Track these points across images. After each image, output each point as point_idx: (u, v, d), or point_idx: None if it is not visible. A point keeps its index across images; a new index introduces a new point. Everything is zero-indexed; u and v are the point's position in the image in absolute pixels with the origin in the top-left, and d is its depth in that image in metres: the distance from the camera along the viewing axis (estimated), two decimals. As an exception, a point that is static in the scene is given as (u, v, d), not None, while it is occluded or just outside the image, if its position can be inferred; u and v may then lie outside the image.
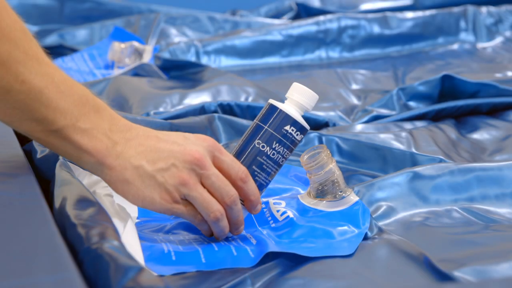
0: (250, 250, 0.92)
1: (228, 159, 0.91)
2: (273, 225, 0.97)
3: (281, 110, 0.95)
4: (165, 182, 0.88)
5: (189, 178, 0.89)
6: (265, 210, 1.00)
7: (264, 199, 1.03)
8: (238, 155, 0.95)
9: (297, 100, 0.97)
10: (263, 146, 0.95)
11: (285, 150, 0.95)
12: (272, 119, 0.95)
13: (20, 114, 0.84)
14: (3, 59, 0.81)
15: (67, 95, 0.85)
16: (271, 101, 0.97)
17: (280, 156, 0.95)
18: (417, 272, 0.87)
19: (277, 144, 0.95)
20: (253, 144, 0.95)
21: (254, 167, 0.95)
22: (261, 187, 0.95)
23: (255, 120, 0.96)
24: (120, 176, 0.87)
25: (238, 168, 0.91)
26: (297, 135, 0.96)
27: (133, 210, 1.02)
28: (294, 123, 0.95)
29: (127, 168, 0.87)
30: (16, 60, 0.82)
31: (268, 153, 0.95)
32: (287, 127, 0.96)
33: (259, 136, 0.95)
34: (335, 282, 0.86)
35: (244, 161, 0.95)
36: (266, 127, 0.95)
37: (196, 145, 0.90)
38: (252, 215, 0.99)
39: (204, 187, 0.90)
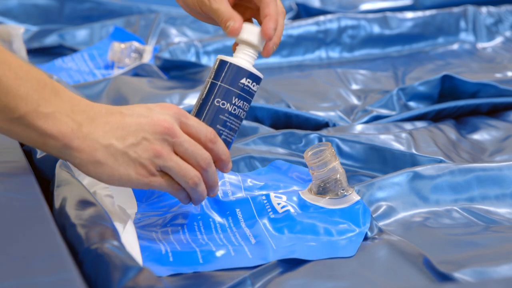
0: (248, 251, 0.92)
1: (195, 122, 0.90)
2: (272, 216, 0.97)
3: (232, 63, 0.95)
4: (139, 157, 0.87)
5: (161, 148, 0.88)
6: (265, 202, 1.00)
7: (265, 192, 1.03)
8: (198, 116, 0.94)
9: (246, 48, 0.96)
10: (223, 104, 0.94)
11: (245, 103, 0.95)
12: (226, 75, 0.95)
13: None
14: None
15: (25, 80, 0.83)
16: (221, 56, 0.96)
17: (241, 110, 0.95)
18: (417, 273, 0.87)
19: (237, 99, 0.94)
20: (212, 103, 0.94)
21: (218, 126, 0.94)
22: (228, 144, 0.95)
23: (207, 79, 0.95)
24: (90, 157, 0.86)
25: (206, 130, 0.90)
26: (253, 86, 0.95)
27: (132, 206, 1.02)
28: (250, 75, 0.95)
29: (97, 149, 0.86)
30: None
31: (229, 109, 0.94)
32: (243, 80, 0.95)
33: (216, 94, 0.94)
34: (335, 283, 0.86)
35: (207, 121, 0.94)
36: (221, 83, 0.94)
37: (162, 114, 0.89)
38: (253, 206, 0.99)
39: (177, 155, 0.89)
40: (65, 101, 0.85)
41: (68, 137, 0.85)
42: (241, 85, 0.94)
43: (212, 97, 0.94)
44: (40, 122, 0.84)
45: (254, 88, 0.95)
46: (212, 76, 0.95)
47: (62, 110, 0.85)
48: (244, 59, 0.96)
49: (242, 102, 0.95)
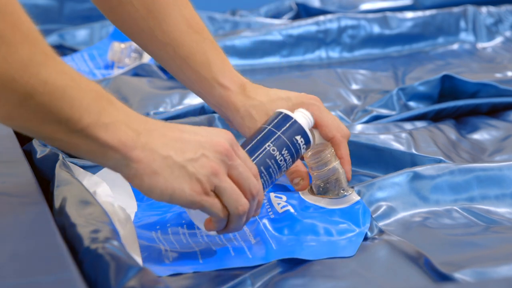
0: (248, 251, 0.91)
1: (243, 154, 0.89)
2: (272, 216, 0.97)
3: (295, 120, 0.99)
4: (197, 172, 0.85)
5: (219, 168, 0.86)
6: (265, 201, 1.00)
7: (265, 193, 1.03)
8: (248, 153, 0.95)
9: (306, 115, 1.01)
10: (273, 150, 0.96)
11: (290, 158, 0.98)
12: (285, 126, 0.98)
13: (41, 117, 0.79)
14: (25, 62, 0.77)
15: (87, 91, 0.81)
16: (283, 110, 1.00)
17: (285, 163, 0.98)
18: (417, 273, 0.87)
19: (286, 151, 0.97)
20: (264, 147, 0.97)
21: (262, 167, 0.96)
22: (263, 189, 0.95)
23: (265, 125, 0.98)
24: (147, 168, 0.83)
25: (251, 165, 0.89)
26: (303, 147, 0.99)
27: (132, 206, 1.02)
28: (304, 134, 0.99)
29: (155, 160, 0.83)
30: (37, 62, 0.78)
31: (277, 157, 0.96)
32: (298, 137, 0.98)
33: (272, 140, 0.97)
34: (335, 283, 0.86)
35: (254, 161, 0.95)
36: (279, 133, 0.98)
37: (219, 136, 0.87)
38: None
39: (231, 178, 0.87)
40: (120, 112, 0.83)
41: (128, 146, 0.82)
42: (294, 140, 0.98)
43: (267, 142, 0.97)
44: (101, 133, 0.81)
45: (303, 149, 0.99)
46: (271, 124, 0.98)
47: (120, 120, 0.83)
48: (305, 119, 1.00)
49: (289, 156, 0.98)
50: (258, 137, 0.97)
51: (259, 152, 0.96)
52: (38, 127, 0.81)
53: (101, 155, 0.83)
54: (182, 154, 0.85)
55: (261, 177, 0.95)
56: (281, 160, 0.97)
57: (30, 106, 0.78)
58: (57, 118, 0.79)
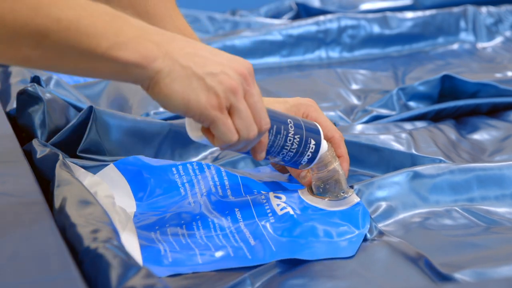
0: (248, 251, 0.91)
1: (258, 89, 0.88)
2: (272, 220, 0.97)
3: (320, 129, 0.99)
4: (215, 86, 0.84)
5: (238, 87, 0.85)
6: (264, 202, 1.00)
7: (265, 193, 1.03)
8: (268, 109, 0.94)
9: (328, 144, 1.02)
10: (291, 127, 0.96)
11: (295, 149, 0.97)
12: (310, 126, 0.98)
13: (60, 53, 0.81)
14: (33, 6, 0.78)
15: (100, 16, 0.82)
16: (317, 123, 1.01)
17: (290, 146, 0.96)
18: (417, 273, 0.87)
19: (298, 139, 0.96)
20: (285, 117, 0.96)
21: (274, 126, 0.94)
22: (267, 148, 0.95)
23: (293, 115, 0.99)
24: (166, 77, 0.83)
25: (263, 103, 0.89)
26: (308, 155, 0.98)
27: (130, 206, 1.02)
28: (317, 145, 0.98)
29: (174, 69, 0.83)
30: (46, 3, 0.79)
31: (289, 134, 0.95)
32: (312, 141, 0.97)
33: (294, 119, 0.96)
34: (334, 283, 0.86)
35: (271, 117, 0.93)
36: (302, 124, 0.97)
37: (239, 62, 0.87)
38: (252, 206, 0.99)
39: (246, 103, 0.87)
40: (137, 28, 0.84)
41: (149, 58, 0.83)
42: (309, 140, 0.97)
43: (289, 117, 0.96)
44: (121, 52, 0.82)
45: (307, 155, 0.98)
46: (300, 118, 0.99)
47: (138, 35, 0.83)
48: (326, 143, 1.00)
49: (296, 145, 0.96)
50: (285, 113, 0.97)
51: (278, 115, 0.95)
52: (58, 63, 0.83)
53: (124, 74, 0.84)
54: (202, 67, 0.85)
55: (269, 133, 0.94)
56: (289, 140, 0.95)
57: (47, 46, 0.80)
58: (76, 51, 0.81)
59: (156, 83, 0.84)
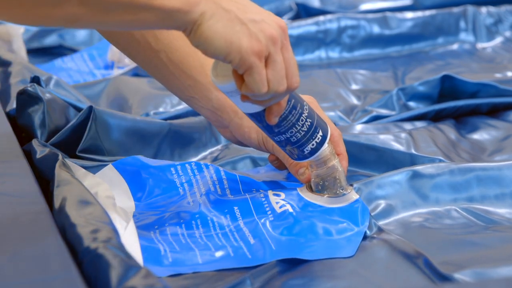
0: (248, 251, 0.91)
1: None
2: (271, 218, 0.97)
3: (329, 129, 0.99)
4: (257, 32, 0.84)
5: (278, 38, 0.86)
6: (263, 200, 1.00)
7: (263, 191, 1.03)
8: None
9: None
10: (306, 109, 0.96)
11: (303, 135, 0.96)
12: (322, 120, 0.98)
13: (104, 8, 0.81)
14: None
15: None
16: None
17: (298, 128, 0.96)
18: (417, 273, 0.87)
19: (308, 123, 0.96)
20: (303, 100, 0.96)
21: (292, 100, 0.94)
22: (280, 117, 0.95)
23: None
24: (209, 19, 0.83)
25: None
26: (313, 144, 0.98)
27: (130, 206, 1.02)
28: (323, 140, 0.98)
29: (218, 12, 0.84)
30: None
31: (303, 114, 0.95)
32: (320, 132, 0.97)
33: (309, 107, 0.97)
34: (334, 282, 0.86)
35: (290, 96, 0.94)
36: (315, 114, 0.97)
37: (277, 17, 0.88)
38: (251, 204, 0.99)
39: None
40: None
41: (192, 2, 0.83)
42: (316, 130, 0.97)
43: (306, 103, 0.96)
44: (165, 1, 0.82)
45: (311, 144, 0.97)
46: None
47: None
48: (330, 148, 1.00)
49: (305, 129, 0.96)
50: (302, 98, 0.97)
51: (296, 95, 0.95)
52: (104, 18, 0.83)
53: (168, 20, 0.84)
54: (244, 13, 0.85)
55: (286, 107, 0.94)
56: (302, 120, 0.95)
57: (92, 2, 0.80)
58: (120, 4, 0.81)
59: (199, 25, 0.84)
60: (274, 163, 1.10)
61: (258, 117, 0.94)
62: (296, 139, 0.97)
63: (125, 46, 1.08)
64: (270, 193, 1.01)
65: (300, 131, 0.96)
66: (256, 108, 0.92)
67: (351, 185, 1.03)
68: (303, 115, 0.95)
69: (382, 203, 1.03)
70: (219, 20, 0.84)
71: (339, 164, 1.01)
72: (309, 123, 0.96)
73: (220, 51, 0.85)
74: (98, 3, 0.81)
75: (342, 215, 0.98)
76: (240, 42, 0.84)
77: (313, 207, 0.99)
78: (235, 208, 0.99)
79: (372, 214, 1.01)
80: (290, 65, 0.88)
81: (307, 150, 0.98)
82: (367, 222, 0.97)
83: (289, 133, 0.96)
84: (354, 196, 1.01)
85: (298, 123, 0.95)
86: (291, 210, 0.97)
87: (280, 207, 0.98)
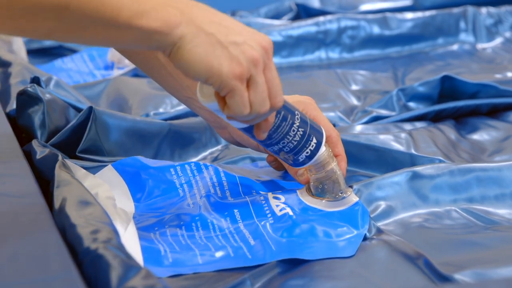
0: (248, 251, 0.91)
1: (274, 65, 0.89)
2: (271, 220, 0.97)
3: (323, 131, 0.99)
4: (238, 56, 0.84)
5: (260, 59, 0.85)
6: (263, 203, 1.00)
7: (263, 193, 1.03)
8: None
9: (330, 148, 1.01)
10: (297, 118, 0.95)
11: (296, 144, 0.96)
12: (315, 125, 0.98)
13: (81, 25, 0.81)
14: None
15: None
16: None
17: (290, 139, 0.96)
18: (417, 273, 0.87)
19: (301, 132, 0.96)
20: (294, 108, 0.96)
21: (282, 112, 0.94)
22: (270, 131, 0.95)
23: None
24: (190, 42, 0.83)
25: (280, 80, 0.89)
26: (307, 152, 0.98)
27: (129, 207, 1.02)
28: (317, 147, 0.98)
29: (199, 35, 0.83)
30: None
31: (294, 124, 0.95)
32: (314, 140, 0.97)
33: (302, 114, 0.96)
34: (334, 283, 0.86)
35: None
36: (308, 119, 0.97)
37: (261, 36, 0.87)
38: (251, 207, 0.99)
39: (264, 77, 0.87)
40: None
41: (172, 23, 0.82)
42: (310, 139, 0.97)
43: (298, 111, 0.96)
44: (144, 20, 0.81)
45: (306, 152, 0.97)
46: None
47: (160, 2, 0.83)
48: (327, 151, 1.00)
49: (297, 139, 0.96)
50: (295, 107, 0.97)
51: (288, 105, 0.95)
52: (80, 34, 0.82)
53: (147, 41, 0.83)
54: (226, 36, 0.84)
55: (276, 117, 0.94)
56: (293, 131, 0.95)
57: (68, 17, 0.79)
58: (97, 21, 0.80)
59: (179, 48, 0.83)
60: (273, 164, 1.10)
61: (248, 131, 0.94)
62: (289, 148, 0.97)
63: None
64: (270, 196, 1.01)
65: (293, 141, 0.96)
66: (244, 124, 0.92)
67: (351, 186, 1.03)
68: (295, 125, 0.95)
69: (382, 204, 1.03)
70: (200, 44, 0.83)
71: (338, 168, 1.01)
72: (301, 133, 0.96)
73: (201, 75, 0.84)
74: (75, 18, 0.80)
75: (342, 218, 0.98)
76: (221, 66, 0.84)
77: (313, 211, 0.99)
78: (235, 211, 0.99)
79: (372, 215, 1.01)
80: (273, 85, 0.87)
81: (301, 158, 0.98)
82: (367, 225, 0.97)
83: (281, 144, 0.96)
84: (354, 198, 1.01)
85: (290, 133, 0.95)
86: (291, 213, 0.97)
87: (280, 210, 0.98)
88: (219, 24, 0.85)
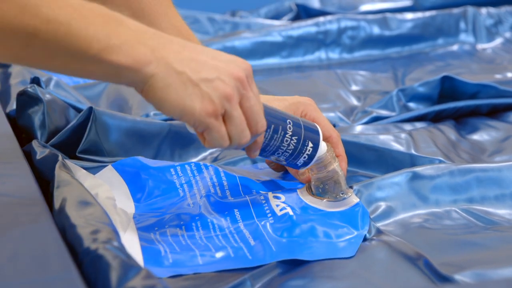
0: (248, 252, 0.91)
1: (255, 90, 0.88)
2: (271, 220, 0.97)
3: (320, 132, 0.98)
4: (210, 93, 0.83)
5: (233, 93, 0.85)
6: (264, 202, 1.00)
7: (264, 193, 1.03)
8: (267, 106, 0.94)
9: (328, 144, 1.01)
10: (289, 127, 0.95)
11: (291, 152, 0.96)
12: (310, 127, 0.97)
13: (50, 54, 0.80)
14: (21, 5, 0.77)
15: (91, 18, 0.80)
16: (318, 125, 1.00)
17: (286, 147, 0.96)
18: (417, 274, 0.87)
19: (295, 140, 0.96)
20: (285, 116, 0.95)
21: (272, 126, 0.94)
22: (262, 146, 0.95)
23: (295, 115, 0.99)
24: (160, 82, 0.82)
25: (260, 101, 0.89)
26: (304, 157, 0.98)
27: (129, 207, 1.02)
28: (315, 150, 0.98)
29: (169, 74, 0.83)
30: (35, 2, 0.78)
31: (287, 134, 0.95)
32: (310, 144, 0.97)
33: (294, 120, 0.96)
34: (334, 283, 0.86)
35: (269, 115, 0.93)
36: (302, 123, 0.97)
37: (237, 65, 0.86)
38: (251, 207, 0.99)
39: (241, 108, 0.86)
40: (132, 30, 0.82)
41: (142, 62, 0.82)
42: (306, 142, 0.97)
43: (290, 117, 0.96)
44: (114, 56, 0.81)
45: (303, 157, 0.98)
46: (301, 118, 0.98)
47: (132, 38, 0.82)
48: (325, 145, 1.00)
49: (292, 147, 0.96)
50: (285, 112, 0.97)
51: (278, 114, 0.95)
52: (48, 63, 0.82)
53: (116, 76, 0.83)
54: (197, 73, 0.84)
55: (266, 132, 0.93)
56: (286, 141, 0.95)
57: (37, 46, 0.79)
58: (66, 52, 0.80)
59: (150, 87, 0.83)
60: (272, 165, 1.10)
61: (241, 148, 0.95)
62: (285, 157, 0.97)
63: None
64: (270, 195, 1.01)
65: (287, 150, 0.96)
66: None
67: (351, 187, 1.03)
68: (287, 135, 0.95)
69: (382, 205, 1.03)
70: (171, 83, 0.83)
71: (339, 168, 1.01)
72: (295, 141, 0.96)
73: (174, 114, 0.84)
74: (43, 47, 0.79)
75: (342, 219, 0.98)
76: (193, 105, 0.84)
77: (314, 210, 0.99)
78: (235, 210, 0.99)
79: (372, 216, 1.01)
80: (252, 114, 0.87)
81: (299, 163, 0.99)
82: (367, 226, 0.97)
83: (276, 154, 0.97)
84: (355, 199, 1.01)
85: (283, 144, 0.96)
86: (291, 213, 0.97)
87: (281, 210, 0.98)
88: (191, 60, 0.84)
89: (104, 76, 0.84)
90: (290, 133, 0.95)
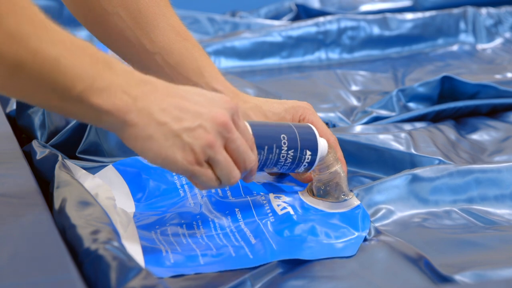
0: (249, 251, 0.91)
1: (243, 125, 0.89)
2: (272, 219, 0.97)
3: (316, 136, 0.98)
4: (191, 143, 0.84)
5: (215, 140, 0.85)
6: (264, 202, 1.00)
7: (265, 194, 1.03)
8: (260, 126, 0.94)
9: (326, 144, 1.00)
10: (284, 143, 0.95)
11: (290, 164, 0.97)
12: (306, 135, 0.97)
13: (34, 87, 0.79)
14: (11, 34, 0.76)
15: (81, 57, 0.80)
16: (311, 125, 1.00)
17: (284, 162, 0.96)
18: (417, 274, 0.87)
19: (291, 154, 0.96)
20: (279, 132, 0.96)
21: (265, 147, 0.94)
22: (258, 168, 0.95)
23: (288, 122, 0.98)
24: (141, 132, 0.83)
25: (249, 137, 0.89)
26: (304, 165, 0.98)
27: (130, 206, 1.02)
28: (314, 156, 0.98)
29: (150, 125, 0.83)
30: (25, 33, 0.76)
31: (282, 150, 0.95)
32: (308, 151, 0.97)
33: (289, 133, 0.96)
34: (335, 283, 0.86)
35: (261, 137, 0.94)
36: (297, 134, 0.97)
37: (220, 107, 0.86)
38: (252, 206, 0.99)
39: (227, 150, 0.87)
40: (119, 75, 0.82)
41: (122, 111, 0.82)
42: (304, 151, 0.97)
43: (283, 131, 0.96)
44: (95, 98, 0.80)
45: (302, 167, 0.98)
46: (295, 125, 0.98)
47: (116, 84, 0.82)
48: (324, 145, 0.99)
49: (291, 160, 0.96)
50: (278, 124, 0.97)
51: (271, 132, 0.95)
52: (31, 96, 0.81)
53: (96, 119, 0.82)
54: (179, 122, 0.84)
55: (260, 153, 0.94)
56: (283, 156, 0.96)
57: (21, 77, 0.78)
58: (50, 87, 0.79)
59: (131, 135, 0.83)
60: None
61: None
62: (284, 170, 0.98)
63: (119, 48, 1.08)
64: (271, 195, 1.01)
65: (286, 164, 0.97)
66: None
67: (351, 191, 1.03)
68: (283, 151, 0.96)
69: (383, 208, 1.03)
70: (152, 135, 0.83)
71: (342, 170, 1.01)
72: (292, 154, 0.96)
73: (156, 164, 0.85)
74: (28, 80, 0.78)
75: (342, 220, 0.98)
76: (175, 156, 0.84)
77: (314, 211, 0.99)
78: (236, 209, 0.99)
79: (373, 219, 1.01)
80: (239, 154, 0.88)
81: (301, 170, 0.99)
82: (368, 228, 0.97)
83: (275, 169, 0.98)
84: (355, 202, 1.01)
85: (280, 160, 0.96)
86: (292, 212, 0.97)
87: (282, 209, 0.98)
88: (174, 108, 0.84)
89: (85, 118, 0.83)
90: (286, 148, 0.96)
